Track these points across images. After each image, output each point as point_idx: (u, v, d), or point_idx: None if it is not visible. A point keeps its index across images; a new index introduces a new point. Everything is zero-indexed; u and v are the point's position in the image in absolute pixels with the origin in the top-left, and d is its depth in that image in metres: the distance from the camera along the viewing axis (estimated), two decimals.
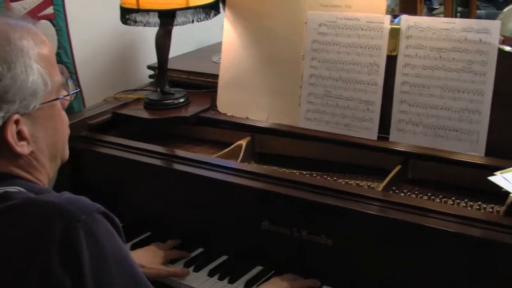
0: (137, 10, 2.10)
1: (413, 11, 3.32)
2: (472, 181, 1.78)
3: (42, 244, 1.08)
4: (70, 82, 1.39)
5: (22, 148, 1.18)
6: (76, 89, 1.38)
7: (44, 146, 1.24)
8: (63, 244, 1.08)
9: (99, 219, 1.14)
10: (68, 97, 1.31)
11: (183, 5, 2.08)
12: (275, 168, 2.02)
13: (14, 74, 1.13)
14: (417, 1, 3.28)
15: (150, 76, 2.54)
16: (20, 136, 1.18)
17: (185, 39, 2.76)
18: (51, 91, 1.22)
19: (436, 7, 4.02)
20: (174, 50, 2.66)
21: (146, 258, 1.83)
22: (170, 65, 2.46)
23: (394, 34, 1.90)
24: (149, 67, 2.50)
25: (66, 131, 1.33)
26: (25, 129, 1.18)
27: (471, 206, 1.72)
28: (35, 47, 1.19)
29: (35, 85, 1.17)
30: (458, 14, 3.72)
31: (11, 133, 1.15)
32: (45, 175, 1.28)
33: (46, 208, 1.12)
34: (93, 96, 2.45)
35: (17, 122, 1.16)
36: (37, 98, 1.18)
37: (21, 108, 1.15)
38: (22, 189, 1.18)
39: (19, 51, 1.15)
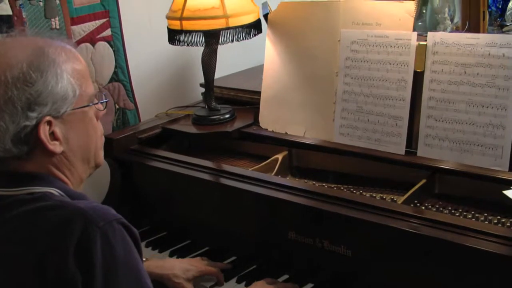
0: (181, 31, 2.24)
1: (476, 28, 3.27)
2: (495, 196, 1.77)
3: (61, 241, 1.21)
4: (103, 94, 1.53)
5: (54, 146, 1.32)
6: (106, 99, 1.50)
7: (76, 148, 1.37)
8: (80, 244, 1.20)
9: (117, 228, 1.25)
10: (100, 107, 1.44)
11: (224, 26, 2.19)
12: (306, 181, 2.09)
13: (45, 79, 1.28)
14: (480, 18, 3.24)
15: (203, 94, 2.66)
16: (54, 136, 1.31)
17: (246, 58, 2.89)
18: (82, 99, 1.36)
19: (508, 24, 3.93)
20: (235, 69, 2.81)
21: (179, 270, 1.90)
22: (222, 83, 2.60)
23: (421, 50, 1.93)
24: (202, 85, 2.63)
25: (100, 139, 1.47)
26: (58, 131, 1.32)
27: (490, 221, 1.72)
28: (67, 61, 1.34)
29: (64, 91, 1.31)
30: None
31: (43, 132, 1.29)
32: (76, 176, 1.41)
33: (72, 211, 1.25)
34: (149, 112, 2.60)
35: (50, 123, 1.30)
36: (67, 103, 1.32)
37: (53, 111, 1.29)
38: (60, 192, 1.33)
39: (51, 62, 1.30)
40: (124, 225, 1.28)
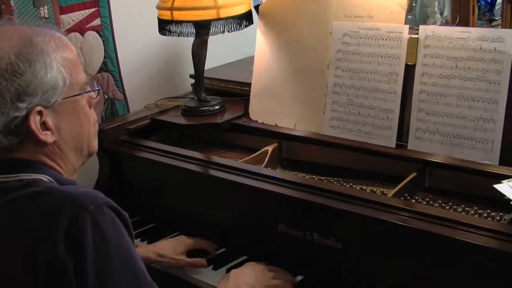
0: (171, 21, 2.22)
1: (465, 22, 3.28)
2: (485, 190, 1.77)
3: (51, 227, 1.20)
4: (94, 82, 1.52)
5: (46, 136, 1.31)
6: (97, 87, 1.49)
7: (68, 138, 1.37)
8: (70, 229, 1.19)
9: (106, 212, 1.24)
10: (93, 95, 1.43)
11: (215, 16, 2.18)
12: (296, 173, 2.09)
13: (34, 70, 1.27)
14: (469, 12, 3.25)
15: (192, 85, 2.65)
16: (45, 126, 1.31)
17: (236, 48, 2.88)
18: (73, 88, 1.35)
19: (497, 18, 3.95)
20: (225, 60, 2.80)
21: (168, 248, 1.94)
22: (212, 74, 2.58)
23: (413, 43, 1.92)
24: (191, 76, 2.61)
25: (93, 127, 1.46)
26: (49, 120, 1.31)
27: (480, 214, 1.72)
28: (57, 49, 1.33)
29: (54, 80, 1.30)
30: None
31: (34, 122, 1.28)
32: (69, 165, 1.40)
33: (61, 196, 1.25)
34: (138, 103, 2.59)
35: (41, 113, 1.29)
36: (57, 92, 1.31)
37: (43, 101, 1.29)
38: (50, 179, 1.32)
39: (39, 52, 1.29)
40: (113, 208, 1.27)
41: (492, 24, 3.88)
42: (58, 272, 1.18)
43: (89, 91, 1.42)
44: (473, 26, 3.30)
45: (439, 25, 3.17)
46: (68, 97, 1.34)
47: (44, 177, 1.31)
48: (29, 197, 1.26)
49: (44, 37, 1.32)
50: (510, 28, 3.44)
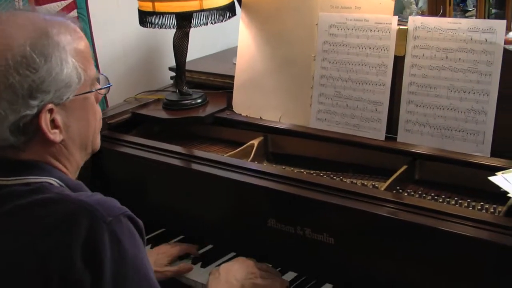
0: (153, 13, 2.16)
1: (442, 13, 3.29)
2: (477, 182, 1.77)
3: (67, 239, 1.13)
4: (102, 77, 1.45)
5: (55, 135, 1.25)
6: (109, 84, 1.42)
7: (76, 136, 1.30)
8: (87, 242, 1.13)
9: (124, 222, 1.20)
10: (101, 91, 1.37)
11: (197, 8, 2.13)
12: (284, 167, 2.05)
13: (49, 66, 1.20)
14: (446, 3, 3.26)
15: (172, 78, 2.60)
16: (54, 124, 1.24)
17: (215, 40, 2.82)
18: (85, 84, 1.29)
19: (470, 9, 3.97)
20: (204, 52, 2.74)
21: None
22: (192, 67, 2.53)
23: (402, 35, 1.90)
24: (171, 69, 2.56)
25: (98, 123, 1.39)
26: (59, 118, 1.24)
27: (473, 207, 1.71)
28: (72, 42, 1.25)
29: (69, 78, 1.23)
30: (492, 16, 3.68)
31: (45, 121, 1.21)
32: (74, 163, 1.34)
33: (77, 206, 1.17)
34: (116, 97, 2.51)
35: (51, 111, 1.22)
36: (70, 90, 1.24)
37: (55, 98, 1.22)
38: (59, 182, 1.25)
39: (55, 45, 1.21)
40: (130, 217, 1.23)
41: (466, 14, 3.91)
42: (74, 286, 1.12)
43: (100, 89, 1.36)
44: (450, 17, 3.32)
45: (415, 16, 3.18)
46: (80, 94, 1.28)
47: (52, 180, 1.25)
48: (39, 204, 1.19)
49: (59, 29, 1.24)
50: (484, 18, 3.47)
